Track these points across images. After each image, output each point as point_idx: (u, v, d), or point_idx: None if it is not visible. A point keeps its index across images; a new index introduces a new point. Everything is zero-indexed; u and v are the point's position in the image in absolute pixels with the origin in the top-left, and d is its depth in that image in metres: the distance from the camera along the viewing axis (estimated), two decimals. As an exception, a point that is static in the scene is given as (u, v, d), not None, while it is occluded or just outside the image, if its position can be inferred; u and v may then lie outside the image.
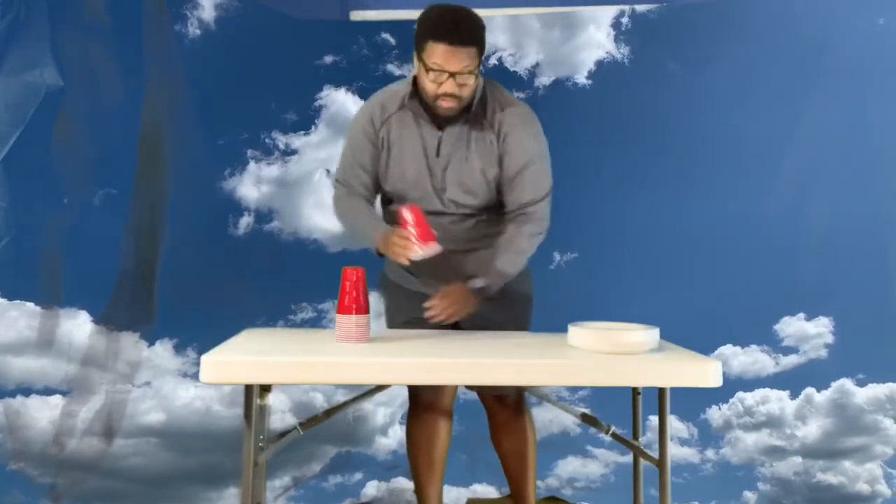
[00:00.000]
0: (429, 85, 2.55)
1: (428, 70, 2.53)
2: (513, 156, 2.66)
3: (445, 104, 2.57)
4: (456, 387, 2.94)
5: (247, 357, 2.20)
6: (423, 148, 2.68)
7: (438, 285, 2.72)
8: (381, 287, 2.96)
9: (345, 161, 2.81)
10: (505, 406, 2.87)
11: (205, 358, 2.12)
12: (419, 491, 2.97)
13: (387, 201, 2.85)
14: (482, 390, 2.85)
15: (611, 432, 2.59)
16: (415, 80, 2.66)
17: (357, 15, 4.15)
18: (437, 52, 2.49)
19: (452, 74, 2.51)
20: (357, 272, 2.42)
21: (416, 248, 2.51)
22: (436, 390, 2.87)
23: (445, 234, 2.63)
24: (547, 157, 2.73)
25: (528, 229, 2.70)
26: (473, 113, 2.64)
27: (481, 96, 2.66)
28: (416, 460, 2.96)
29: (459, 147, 2.66)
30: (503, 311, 2.76)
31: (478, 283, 2.62)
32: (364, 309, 2.41)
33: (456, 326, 2.73)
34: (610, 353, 2.25)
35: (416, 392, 2.91)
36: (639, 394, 2.65)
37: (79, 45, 4.19)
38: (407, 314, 2.83)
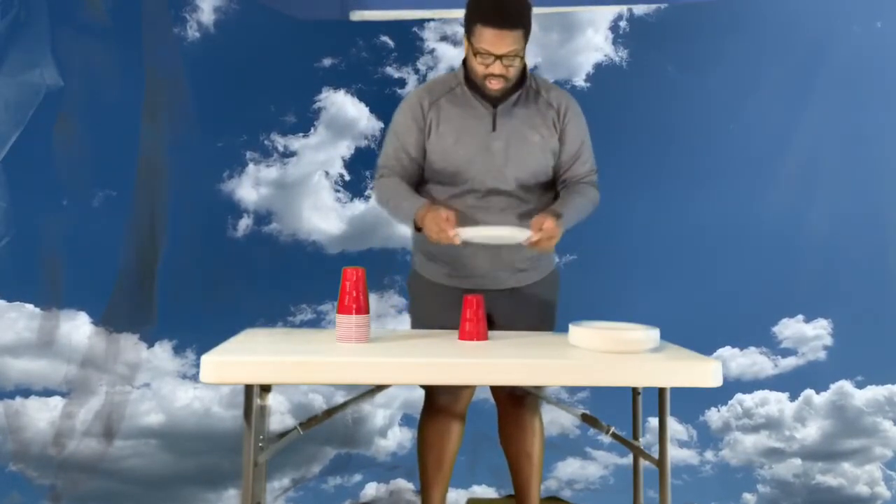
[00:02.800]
0: (477, 66, 2.62)
1: (476, 53, 2.60)
2: (575, 131, 2.77)
3: (493, 85, 2.63)
4: (472, 391, 2.93)
5: (247, 357, 2.20)
6: (477, 125, 2.71)
7: (476, 280, 2.74)
8: (411, 285, 2.95)
9: (388, 145, 2.82)
10: (519, 405, 2.87)
11: (205, 358, 2.12)
12: (424, 491, 2.97)
13: (423, 182, 2.85)
14: (497, 388, 2.86)
15: (611, 432, 2.58)
16: (464, 63, 2.72)
17: (357, 15, 4.15)
18: (485, 36, 2.56)
19: (499, 57, 2.57)
20: (357, 272, 2.42)
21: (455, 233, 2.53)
22: (453, 394, 2.86)
23: (495, 220, 2.67)
24: None
25: (593, 188, 2.81)
26: (526, 89, 2.73)
27: (530, 77, 2.75)
28: (425, 460, 2.95)
29: (516, 121, 2.71)
30: (532, 314, 2.78)
31: (561, 222, 2.63)
32: (364, 309, 2.41)
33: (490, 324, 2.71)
34: (610, 352, 2.25)
35: (432, 393, 2.90)
36: (639, 394, 2.65)
37: (79, 45, 4.20)
38: (438, 312, 2.80)
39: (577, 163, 2.79)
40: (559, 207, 2.68)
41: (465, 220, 2.62)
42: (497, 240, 2.61)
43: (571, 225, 2.72)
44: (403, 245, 4.51)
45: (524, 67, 2.72)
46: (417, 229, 2.69)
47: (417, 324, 2.89)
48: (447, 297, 2.78)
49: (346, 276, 2.41)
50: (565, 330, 2.43)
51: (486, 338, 2.50)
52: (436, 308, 2.82)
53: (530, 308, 2.77)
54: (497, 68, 2.59)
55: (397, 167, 2.77)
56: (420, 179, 2.82)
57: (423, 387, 2.89)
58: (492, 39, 2.55)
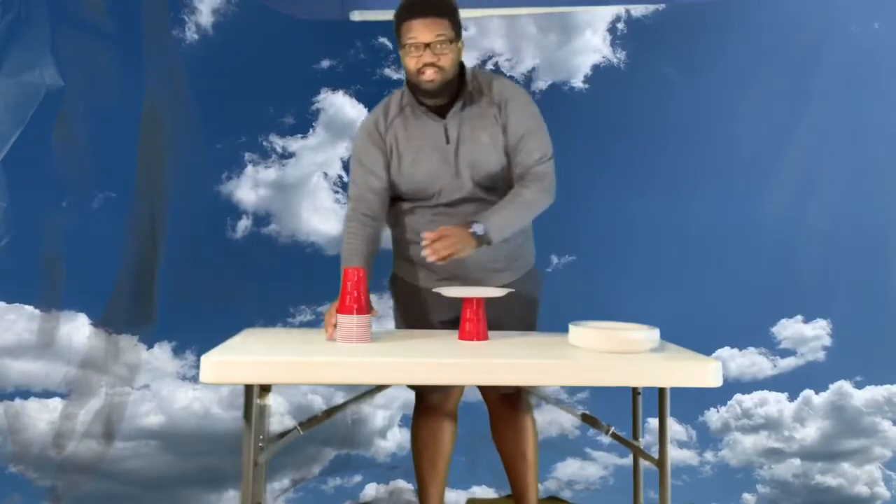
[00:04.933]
0: (410, 62, 2.63)
1: (407, 47, 2.62)
2: (516, 120, 2.72)
3: (427, 75, 2.62)
4: (462, 389, 2.96)
5: (247, 357, 2.20)
6: (432, 139, 2.72)
7: (453, 282, 2.74)
8: (391, 286, 2.97)
9: (355, 175, 2.82)
10: (508, 404, 2.88)
11: (205, 358, 2.12)
12: (421, 491, 2.98)
13: (393, 200, 2.86)
14: (486, 389, 2.87)
15: (611, 432, 2.58)
16: (407, 81, 2.73)
17: (357, 15, 4.16)
18: (412, 27, 2.60)
19: (428, 45, 2.60)
20: (358, 272, 2.43)
21: (332, 331, 2.50)
22: (442, 392, 2.89)
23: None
24: (544, 123, 2.79)
25: (536, 186, 2.71)
26: (468, 92, 2.72)
27: (472, 77, 2.75)
28: (419, 460, 2.97)
29: (465, 128, 2.71)
30: (512, 315, 2.78)
31: (478, 228, 2.57)
32: (365, 309, 2.41)
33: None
34: (610, 352, 2.25)
35: (422, 393, 2.92)
36: (639, 394, 2.65)
37: (79, 45, 4.20)
38: (417, 314, 2.85)
39: (521, 154, 2.73)
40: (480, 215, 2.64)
41: (431, 230, 2.58)
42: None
43: (508, 228, 2.66)
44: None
45: (463, 72, 2.73)
46: None
47: (400, 325, 2.93)
48: (427, 299, 2.81)
49: (347, 277, 2.42)
50: (565, 330, 2.43)
51: (486, 338, 2.50)
52: (416, 310, 2.86)
53: (510, 307, 2.74)
54: (427, 56, 2.60)
55: (368, 195, 2.77)
56: (392, 194, 2.83)
57: (413, 387, 2.90)
58: (418, 28, 2.59)
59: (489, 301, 2.58)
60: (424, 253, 2.51)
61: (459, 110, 2.71)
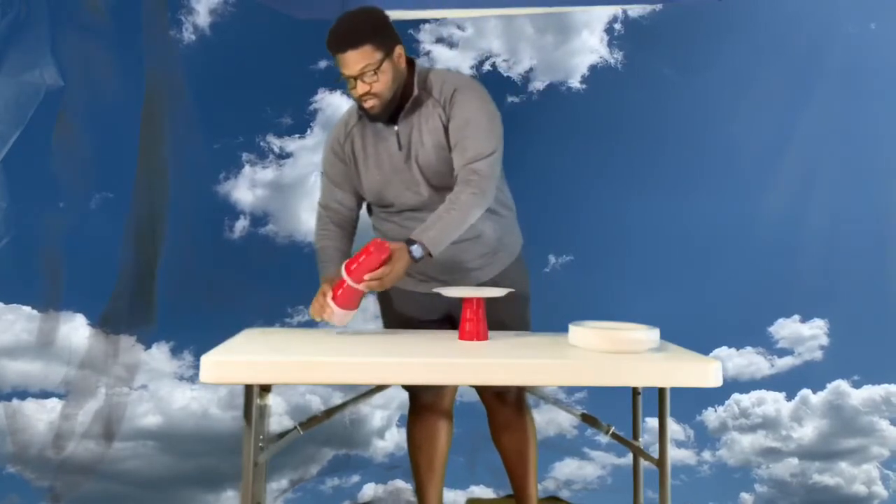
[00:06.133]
0: (350, 91, 2.63)
1: (343, 77, 2.61)
2: (456, 115, 2.65)
3: (367, 104, 2.62)
4: (456, 388, 2.96)
5: (247, 357, 2.20)
6: (385, 147, 2.72)
7: (432, 283, 2.73)
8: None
9: (322, 183, 2.88)
10: (505, 404, 2.87)
11: (204, 358, 2.11)
12: (419, 492, 2.98)
13: (370, 208, 2.89)
14: (483, 389, 2.86)
15: (611, 432, 2.58)
16: None
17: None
18: (339, 61, 2.58)
19: (357, 76, 2.57)
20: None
21: (332, 312, 2.52)
22: (436, 391, 2.89)
23: None
24: (494, 118, 2.69)
25: (468, 189, 2.60)
26: (416, 98, 2.67)
27: (424, 78, 2.71)
28: (416, 461, 2.97)
29: (414, 132, 2.68)
30: (502, 311, 2.76)
31: (416, 251, 2.52)
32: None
33: (453, 325, 2.73)
34: (610, 352, 2.25)
35: (416, 393, 2.92)
36: (639, 394, 2.65)
37: (79, 45, 4.20)
38: (402, 314, 2.86)
39: (457, 149, 2.65)
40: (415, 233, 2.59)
41: (402, 236, 2.58)
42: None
43: (447, 238, 2.58)
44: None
45: (408, 75, 2.68)
46: None
47: (385, 324, 2.93)
48: (411, 301, 2.82)
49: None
50: (565, 330, 2.43)
51: (486, 338, 2.50)
52: (396, 310, 2.87)
53: (496, 302, 2.73)
54: (360, 88, 2.58)
55: (333, 205, 2.82)
56: (360, 206, 2.86)
57: (407, 388, 2.91)
58: (343, 62, 2.56)
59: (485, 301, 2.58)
60: (362, 286, 2.49)
61: (408, 114, 2.68)
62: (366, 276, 2.47)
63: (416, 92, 2.68)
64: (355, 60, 2.55)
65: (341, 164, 2.79)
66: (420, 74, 2.70)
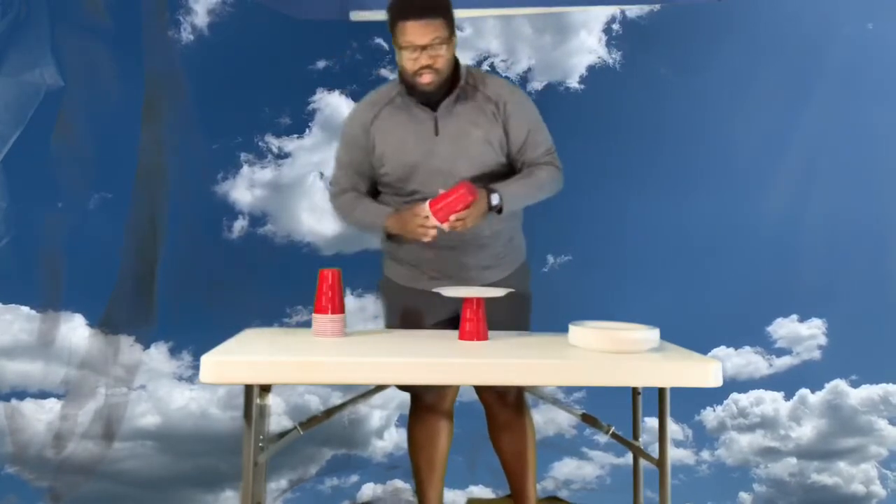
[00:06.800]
0: (406, 63, 2.64)
1: (402, 49, 2.63)
2: (519, 120, 2.76)
3: (424, 79, 2.64)
4: (457, 388, 2.96)
5: (247, 357, 2.20)
6: (419, 130, 2.73)
7: (444, 281, 2.74)
8: (381, 289, 2.97)
9: (337, 161, 2.87)
10: (505, 405, 2.87)
11: (205, 358, 2.11)
12: (420, 492, 2.98)
13: (376, 194, 2.88)
14: (482, 389, 2.87)
15: (611, 432, 2.59)
16: (401, 75, 2.74)
17: (357, 15, 4.15)
18: (407, 29, 2.60)
19: (424, 47, 2.60)
20: (333, 274, 2.52)
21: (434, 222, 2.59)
22: (437, 392, 2.89)
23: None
24: (541, 118, 2.85)
25: (548, 168, 2.78)
26: (462, 88, 2.73)
27: (466, 73, 2.76)
28: (417, 461, 2.97)
29: (457, 120, 2.72)
30: (504, 311, 2.77)
31: (495, 198, 2.64)
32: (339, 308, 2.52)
33: (455, 326, 2.73)
34: (610, 352, 2.26)
35: (417, 394, 2.92)
36: (639, 394, 2.65)
37: (79, 45, 4.19)
38: (409, 316, 2.85)
39: (528, 150, 2.78)
40: (495, 185, 2.69)
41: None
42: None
43: (519, 200, 2.75)
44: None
45: (457, 65, 2.75)
46: (388, 237, 2.77)
47: (389, 327, 2.92)
48: (416, 300, 2.82)
49: (323, 278, 2.50)
50: (564, 330, 2.43)
51: (486, 338, 2.50)
52: (405, 311, 2.86)
53: (501, 303, 2.75)
54: (424, 59, 2.61)
55: (349, 184, 2.83)
56: (372, 191, 2.86)
57: (407, 389, 2.90)
58: (414, 31, 2.59)
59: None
60: (445, 226, 2.58)
61: (452, 104, 2.72)
62: (451, 217, 2.54)
63: (462, 82, 2.73)
64: (429, 31, 2.59)
65: (364, 145, 2.78)
66: (462, 68, 2.76)
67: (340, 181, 2.84)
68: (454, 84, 2.72)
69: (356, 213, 2.82)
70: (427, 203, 2.58)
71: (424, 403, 2.92)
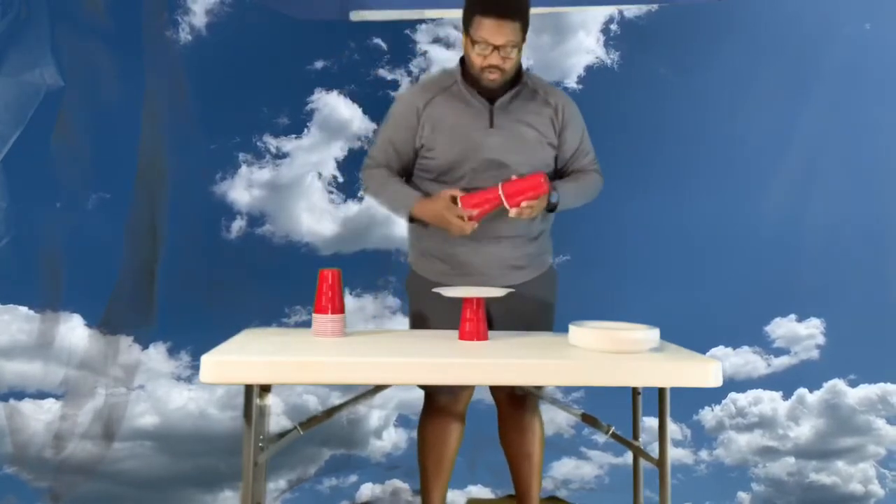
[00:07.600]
0: (475, 58, 2.66)
1: (474, 43, 2.64)
2: (574, 127, 2.84)
3: (491, 76, 2.67)
4: (471, 391, 2.95)
5: (247, 357, 2.19)
6: (473, 121, 2.75)
7: (473, 278, 2.77)
8: (409, 284, 2.97)
9: (380, 137, 2.89)
10: (518, 406, 2.89)
11: (205, 358, 2.11)
12: (424, 492, 2.98)
13: (410, 176, 2.90)
14: (497, 389, 2.88)
15: (611, 432, 2.58)
16: (461, 60, 2.78)
17: (357, 15, 4.14)
18: (484, 26, 2.61)
19: (497, 48, 2.62)
20: (333, 274, 2.52)
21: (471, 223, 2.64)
22: (451, 394, 2.88)
23: (498, 216, 2.69)
24: None
25: (594, 175, 2.91)
26: (523, 85, 2.78)
27: (525, 74, 2.80)
28: (425, 461, 2.96)
29: (513, 117, 2.76)
30: (530, 316, 2.79)
31: (554, 196, 2.72)
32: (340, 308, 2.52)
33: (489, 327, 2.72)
34: (610, 352, 2.26)
35: (431, 394, 2.92)
36: (639, 394, 2.65)
37: (79, 45, 4.19)
38: (435, 311, 2.82)
39: (580, 156, 2.87)
40: (555, 183, 2.76)
41: None
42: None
43: (570, 200, 2.81)
44: (398, 246, 4.52)
45: (520, 65, 2.76)
46: (411, 220, 2.77)
47: (416, 323, 2.91)
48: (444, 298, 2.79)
49: (323, 278, 2.50)
50: (565, 330, 2.43)
51: (486, 338, 2.51)
52: (432, 307, 2.82)
53: (527, 306, 2.78)
54: (495, 59, 2.63)
55: (383, 160, 2.84)
56: (406, 175, 2.87)
57: (423, 388, 2.90)
58: (491, 29, 2.60)
59: (505, 296, 2.59)
60: (513, 211, 2.62)
61: (509, 100, 2.75)
62: (523, 203, 2.60)
63: (524, 80, 2.78)
64: (507, 32, 2.61)
65: (409, 129, 2.79)
66: (522, 67, 2.79)
67: (376, 156, 2.86)
68: (515, 82, 2.76)
69: (387, 190, 2.82)
70: (500, 183, 2.62)
71: (438, 404, 2.92)
